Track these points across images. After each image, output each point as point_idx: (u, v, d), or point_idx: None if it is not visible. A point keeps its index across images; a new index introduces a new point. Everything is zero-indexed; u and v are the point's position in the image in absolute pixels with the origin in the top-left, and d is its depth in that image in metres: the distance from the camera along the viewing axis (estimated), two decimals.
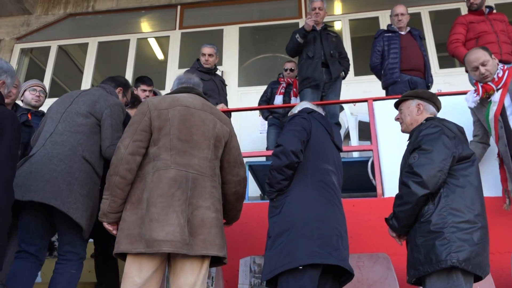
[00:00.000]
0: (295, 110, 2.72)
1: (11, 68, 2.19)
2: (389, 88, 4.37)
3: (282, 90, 4.79)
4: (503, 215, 3.11)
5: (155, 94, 4.29)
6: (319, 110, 2.69)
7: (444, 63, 6.63)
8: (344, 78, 4.70)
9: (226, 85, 4.71)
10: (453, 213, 2.10)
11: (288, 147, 2.22)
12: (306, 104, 2.74)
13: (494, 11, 4.43)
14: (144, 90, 4.05)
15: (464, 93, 3.96)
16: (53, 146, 2.43)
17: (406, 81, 4.30)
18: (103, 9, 7.63)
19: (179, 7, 7.53)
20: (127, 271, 1.97)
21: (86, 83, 7.25)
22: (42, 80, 7.31)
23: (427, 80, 4.41)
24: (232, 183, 2.33)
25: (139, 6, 7.56)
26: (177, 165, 2.06)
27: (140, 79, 4.16)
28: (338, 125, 4.36)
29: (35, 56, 7.83)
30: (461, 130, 2.37)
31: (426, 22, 6.87)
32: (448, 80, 6.37)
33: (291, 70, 4.91)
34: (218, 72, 5.01)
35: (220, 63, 7.02)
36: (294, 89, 4.75)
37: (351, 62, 6.68)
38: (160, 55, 7.90)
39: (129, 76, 7.11)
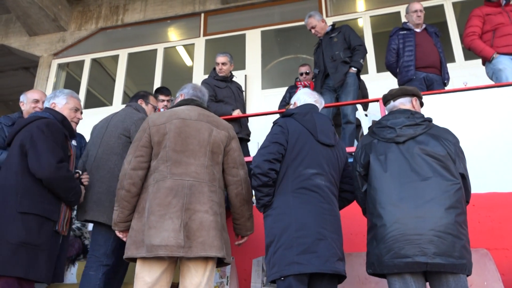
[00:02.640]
0: (292, 101, 2.79)
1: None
2: None
3: None
4: (502, 211, 3.12)
5: None
6: (318, 100, 2.71)
7: (470, 55, 6.48)
8: (357, 71, 4.54)
9: (243, 91, 4.86)
10: (367, 223, 2.31)
11: (256, 171, 2.32)
12: (303, 95, 2.75)
13: None
14: (163, 100, 4.28)
15: (489, 87, 3.93)
16: (96, 171, 2.86)
17: (422, 78, 4.30)
18: (131, 21, 8.00)
19: (202, 14, 7.77)
20: (138, 272, 2.19)
21: (118, 93, 7.64)
22: (78, 91, 7.77)
23: (443, 77, 4.39)
24: (233, 184, 2.41)
25: (164, 16, 7.87)
26: (173, 175, 2.23)
27: (158, 90, 4.43)
28: (350, 123, 4.42)
29: (71, 70, 8.32)
30: (386, 125, 2.37)
31: (450, 14, 6.74)
32: (474, 72, 6.23)
33: (306, 73, 5.03)
34: (237, 79, 5.17)
35: (243, 67, 7.21)
36: None
37: (372, 59, 6.75)
38: (189, 62, 8.17)
39: (157, 83, 7.42)
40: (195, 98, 2.57)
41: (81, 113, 2.93)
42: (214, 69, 4.60)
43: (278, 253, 2.23)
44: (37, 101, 3.31)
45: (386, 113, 2.59)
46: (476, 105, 3.78)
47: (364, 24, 7.07)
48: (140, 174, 2.28)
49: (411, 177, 2.17)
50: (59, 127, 2.59)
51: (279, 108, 5.13)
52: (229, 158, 2.41)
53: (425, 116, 2.44)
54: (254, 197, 2.44)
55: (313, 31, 4.73)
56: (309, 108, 2.62)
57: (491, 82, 4.41)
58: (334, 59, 4.52)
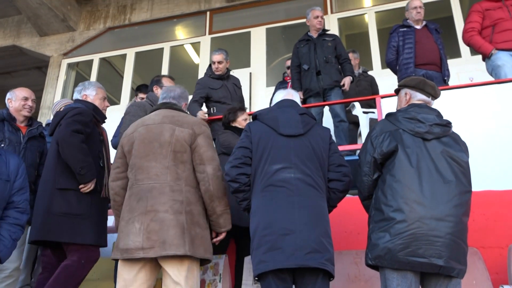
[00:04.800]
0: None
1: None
2: None
3: None
4: (497, 210, 3.11)
5: None
6: (288, 93, 2.71)
7: None
8: (352, 81, 4.71)
9: (240, 86, 4.75)
10: (376, 213, 2.21)
11: (226, 178, 2.39)
12: (276, 96, 2.79)
13: None
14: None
15: (486, 83, 3.91)
16: None
17: (421, 75, 4.26)
18: (138, 20, 8.10)
19: (208, 13, 7.83)
20: (118, 270, 2.34)
21: (126, 91, 7.77)
22: None
23: (443, 73, 4.36)
24: (201, 181, 2.39)
25: (171, 15, 7.95)
26: (138, 181, 2.36)
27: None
28: (343, 122, 4.45)
29: (81, 69, 8.47)
30: (416, 117, 2.28)
31: (456, 9, 6.65)
32: (480, 67, 6.13)
33: None
34: (240, 75, 5.18)
35: (248, 65, 7.25)
36: None
37: (377, 55, 6.73)
38: (196, 59, 8.23)
39: None
40: (166, 101, 2.64)
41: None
42: (210, 66, 4.53)
43: (252, 254, 2.28)
44: (26, 98, 3.42)
45: (405, 102, 2.50)
46: (473, 102, 3.76)
47: (369, 20, 7.03)
48: (120, 184, 2.45)
49: (436, 177, 2.14)
50: (89, 113, 2.88)
51: (270, 105, 5.12)
52: (196, 155, 2.40)
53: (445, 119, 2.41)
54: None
55: (319, 19, 4.79)
56: (278, 105, 2.63)
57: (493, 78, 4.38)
58: (327, 61, 4.59)
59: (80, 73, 8.43)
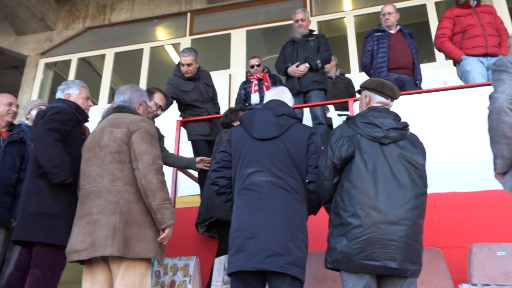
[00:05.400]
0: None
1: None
2: None
3: (256, 88, 4.83)
4: (463, 210, 3.21)
5: None
6: (275, 93, 2.71)
7: None
8: (319, 68, 4.67)
9: (211, 85, 4.62)
10: (334, 218, 2.26)
11: (208, 181, 2.54)
12: (266, 95, 2.79)
13: (482, 3, 4.42)
14: None
15: (455, 88, 4.02)
16: None
17: (394, 79, 4.35)
18: (118, 20, 8.04)
19: (189, 14, 7.82)
20: (83, 274, 2.41)
21: (104, 92, 7.71)
22: None
23: (415, 77, 4.45)
24: (137, 177, 2.36)
25: (151, 15, 7.92)
26: (82, 186, 2.45)
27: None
28: (321, 124, 4.50)
29: (59, 69, 8.37)
30: (374, 122, 2.30)
31: (432, 14, 6.78)
32: (454, 72, 6.27)
33: (257, 65, 4.98)
34: (220, 75, 5.11)
35: (228, 67, 7.27)
36: (266, 83, 4.83)
37: (355, 58, 6.81)
38: (176, 60, 8.17)
39: (143, 82, 7.50)
40: (116, 105, 2.67)
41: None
42: (179, 65, 4.35)
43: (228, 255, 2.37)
44: (11, 104, 3.45)
45: (364, 103, 2.52)
46: (442, 105, 3.85)
47: (348, 24, 7.12)
48: None
49: (391, 182, 2.18)
50: (69, 112, 2.82)
51: (235, 105, 5.10)
52: (131, 152, 2.40)
53: (403, 121, 2.44)
54: None
55: (299, 22, 4.81)
56: (262, 107, 2.67)
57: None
58: (307, 60, 4.62)
59: (58, 73, 8.33)
